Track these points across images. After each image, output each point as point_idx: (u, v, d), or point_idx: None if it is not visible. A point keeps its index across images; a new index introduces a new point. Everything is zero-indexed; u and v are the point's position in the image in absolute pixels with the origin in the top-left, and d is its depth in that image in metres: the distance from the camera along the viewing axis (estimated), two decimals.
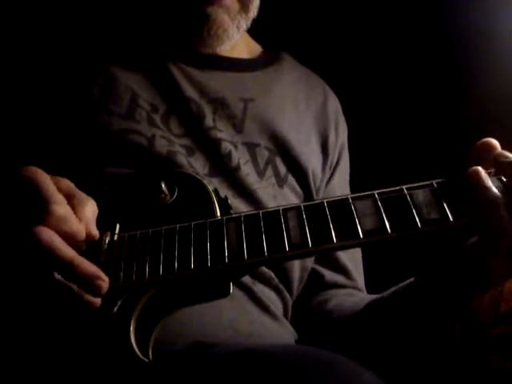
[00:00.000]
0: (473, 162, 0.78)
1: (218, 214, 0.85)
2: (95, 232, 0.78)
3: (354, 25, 1.53)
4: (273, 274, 1.02)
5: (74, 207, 0.75)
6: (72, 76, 1.02)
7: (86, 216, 0.76)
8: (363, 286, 1.18)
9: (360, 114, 1.42)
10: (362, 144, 1.34)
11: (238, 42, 1.12)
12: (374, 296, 1.03)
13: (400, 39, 1.49)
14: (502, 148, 0.79)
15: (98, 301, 0.73)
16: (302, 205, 0.80)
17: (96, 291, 0.73)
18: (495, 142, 0.78)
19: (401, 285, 0.94)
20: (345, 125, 1.27)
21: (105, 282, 0.73)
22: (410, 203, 0.75)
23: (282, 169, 1.09)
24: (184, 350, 0.84)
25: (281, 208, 0.81)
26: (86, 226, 0.76)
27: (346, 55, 1.53)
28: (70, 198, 0.75)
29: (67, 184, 0.77)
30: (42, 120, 1.00)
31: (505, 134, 1.33)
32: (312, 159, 1.13)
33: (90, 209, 0.78)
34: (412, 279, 0.91)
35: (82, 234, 0.75)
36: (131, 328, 0.76)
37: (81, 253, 0.75)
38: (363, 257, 1.21)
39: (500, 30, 1.39)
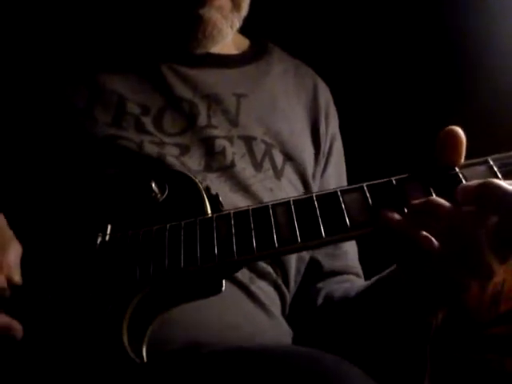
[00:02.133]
0: (440, 151, 0.77)
1: (209, 211, 0.85)
2: (16, 279, 0.79)
3: (344, 12, 1.53)
4: (270, 269, 1.02)
5: None
6: (57, 84, 1.02)
7: (6, 262, 0.77)
8: (361, 270, 1.18)
9: (352, 103, 1.42)
10: (354, 133, 1.33)
11: (230, 38, 1.11)
12: (365, 282, 1.03)
13: (393, 30, 1.49)
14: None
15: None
16: (291, 200, 0.80)
17: (10, 340, 0.75)
18: (460, 132, 0.76)
19: (384, 272, 0.93)
20: (335, 114, 1.27)
21: (17, 330, 0.75)
22: (399, 195, 0.75)
23: (279, 161, 1.09)
24: (177, 350, 0.84)
25: (270, 204, 0.80)
26: (6, 272, 0.77)
27: (336, 44, 1.53)
28: None
29: None
30: (28, 127, 1.00)
31: (503, 133, 1.33)
32: (306, 150, 1.14)
33: (12, 253, 0.79)
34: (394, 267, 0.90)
35: (1, 282, 0.76)
36: (124, 328, 0.76)
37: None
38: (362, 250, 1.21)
39: (499, 29, 1.39)
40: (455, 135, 0.75)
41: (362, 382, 0.70)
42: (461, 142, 0.75)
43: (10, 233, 0.81)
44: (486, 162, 0.75)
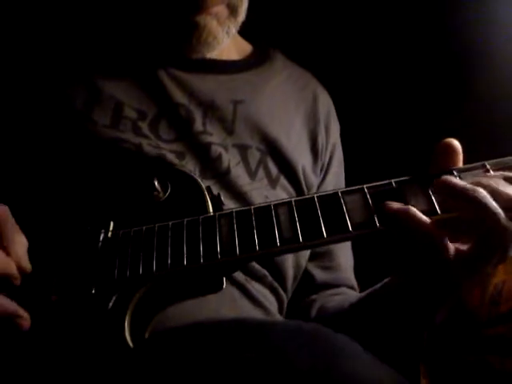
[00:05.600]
0: (436, 161, 0.79)
1: (211, 210, 0.86)
2: (26, 264, 0.79)
3: (347, 19, 1.52)
4: (266, 272, 1.02)
5: (2, 240, 0.77)
6: (56, 86, 1.02)
7: (14, 249, 0.78)
8: (355, 283, 1.18)
9: (354, 111, 1.42)
10: (356, 141, 1.33)
11: (227, 44, 1.10)
12: (358, 295, 1.04)
13: (395, 35, 1.49)
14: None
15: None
16: (292, 200, 0.81)
17: (17, 328, 0.75)
18: (457, 143, 0.78)
19: (378, 285, 0.94)
20: (337, 123, 1.26)
21: (24, 319, 0.76)
22: (399, 196, 0.76)
23: (274, 169, 1.08)
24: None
25: (272, 203, 0.81)
26: (15, 259, 0.77)
27: (339, 51, 1.53)
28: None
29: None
30: (28, 128, 1.00)
31: (503, 133, 1.34)
32: (302, 159, 1.13)
33: (20, 242, 0.79)
34: (387, 279, 0.92)
35: (11, 268, 0.77)
36: (126, 323, 0.77)
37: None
38: (358, 254, 1.22)
39: (500, 28, 1.39)
40: (452, 147, 0.77)
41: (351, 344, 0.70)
42: (458, 152, 0.77)
43: (15, 225, 0.81)
44: (484, 166, 0.76)
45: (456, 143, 0.77)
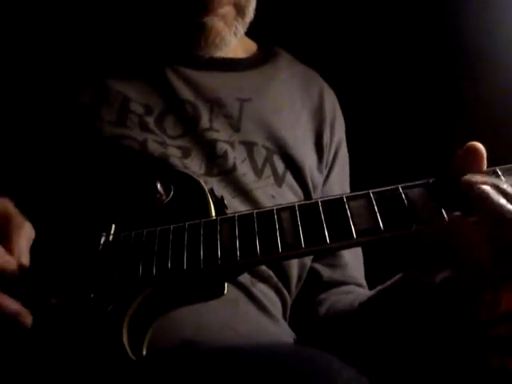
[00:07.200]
0: (458, 164, 0.76)
1: (214, 214, 0.85)
2: (25, 263, 0.78)
3: (352, 19, 1.52)
4: (271, 273, 1.02)
5: (7, 234, 0.76)
6: (63, 83, 1.02)
7: (17, 246, 0.77)
8: (364, 281, 1.17)
9: (358, 109, 1.42)
10: (360, 140, 1.32)
11: (234, 44, 1.10)
12: (368, 293, 1.03)
13: (399, 35, 1.49)
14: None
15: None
16: (296, 204, 0.79)
17: (20, 326, 0.74)
18: (482, 147, 0.75)
19: (388, 282, 0.93)
20: (342, 121, 1.26)
21: (27, 317, 0.75)
22: (405, 202, 0.74)
23: (280, 167, 1.08)
24: (173, 348, 0.83)
25: (275, 208, 0.80)
26: (17, 256, 0.76)
27: (344, 50, 1.52)
28: (5, 223, 0.77)
29: (4, 207, 0.78)
30: (35, 126, 1.00)
31: (504, 134, 1.33)
32: (308, 157, 1.13)
33: (24, 235, 0.78)
34: (400, 276, 0.90)
35: (12, 265, 0.75)
36: (124, 328, 0.76)
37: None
38: (365, 255, 1.20)
39: (501, 29, 1.38)
40: (476, 152, 0.74)
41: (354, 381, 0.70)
42: (482, 156, 0.74)
43: (21, 216, 0.80)
44: (495, 172, 0.74)
45: (481, 146, 0.74)
